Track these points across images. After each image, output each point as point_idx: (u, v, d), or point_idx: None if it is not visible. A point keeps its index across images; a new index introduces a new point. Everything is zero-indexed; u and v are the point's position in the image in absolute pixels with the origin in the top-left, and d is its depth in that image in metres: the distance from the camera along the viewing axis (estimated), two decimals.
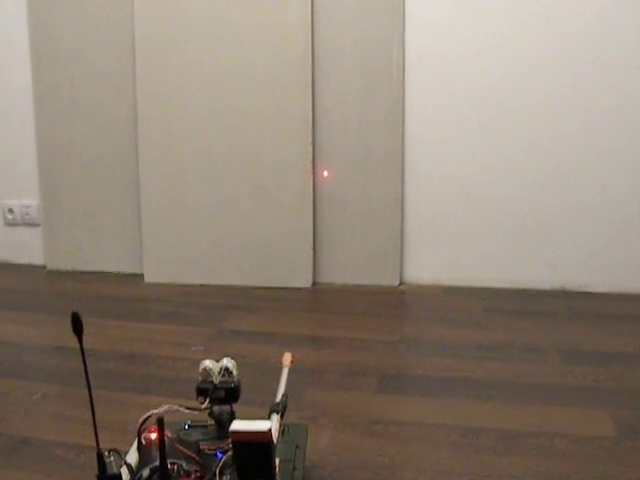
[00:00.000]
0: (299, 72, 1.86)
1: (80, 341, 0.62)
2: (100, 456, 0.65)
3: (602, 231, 1.83)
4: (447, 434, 1.04)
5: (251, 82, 1.89)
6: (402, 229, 1.92)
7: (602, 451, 0.98)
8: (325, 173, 1.83)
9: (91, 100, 2.05)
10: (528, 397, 1.18)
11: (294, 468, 0.79)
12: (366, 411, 1.13)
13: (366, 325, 1.60)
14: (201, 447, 0.76)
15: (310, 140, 1.88)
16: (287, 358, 0.92)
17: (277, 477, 0.69)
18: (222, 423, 0.83)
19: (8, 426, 1.08)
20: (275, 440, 0.71)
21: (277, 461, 0.71)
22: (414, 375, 1.30)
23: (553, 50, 1.78)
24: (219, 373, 0.84)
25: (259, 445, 0.66)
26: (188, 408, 0.78)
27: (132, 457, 0.72)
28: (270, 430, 0.66)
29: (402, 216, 1.91)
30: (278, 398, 0.83)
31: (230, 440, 0.68)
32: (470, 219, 1.89)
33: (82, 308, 1.72)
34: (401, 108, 1.86)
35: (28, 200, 2.19)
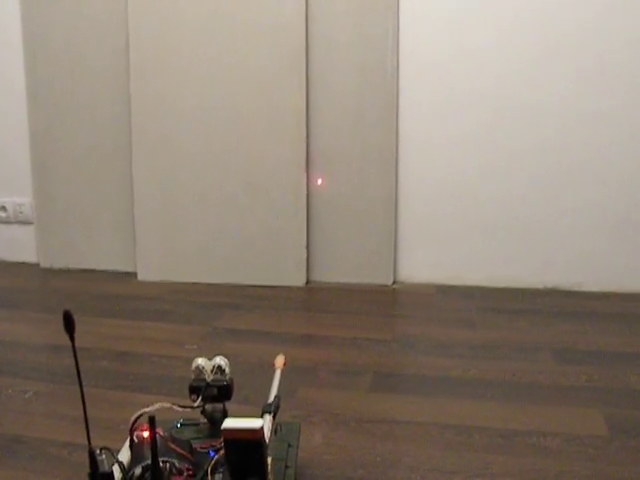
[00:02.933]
0: (293, 70, 1.86)
1: (72, 339, 0.62)
2: (92, 454, 0.65)
3: (595, 231, 1.84)
4: (440, 432, 1.04)
5: (245, 80, 1.89)
6: (396, 228, 1.92)
7: (594, 450, 0.98)
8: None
9: (84, 97, 2.05)
10: (521, 396, 1.18)
11: (286, 466, 0.79)
12: (359, 409, 1.13)
13: (360, 324, 1.60)
14: (193, 445, 0.76)
15: (304, 138, 1.88)
16: (280, 360, 0.92)
17: (269, 475, 0.69)
18: (214, 421, 0.83)
19: (0, 425, 1.07)
20: (267, 440, 0.71)
21: (269, 460, 0.71)
22: (407, 374, 1.30)
23: (549, 51, 1.79)
24: (212, 371, 0.85)
25: (251, 443, 0.66)
26: (180, 406, 0.78)
27: (124, 455, 0.72)
28: (262, 428, 0.66)
29: (396, 215, 1.91)
30: (270, 399, 0.83)
31: (222, 438, 0.68)
32: (464, 218, 1.90)
33: (75, 306, 1.71)
34: (395, 107, 1.86)
35: (21, 198, 2.19)
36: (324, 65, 1.88)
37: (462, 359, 1.36)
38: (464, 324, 1.59)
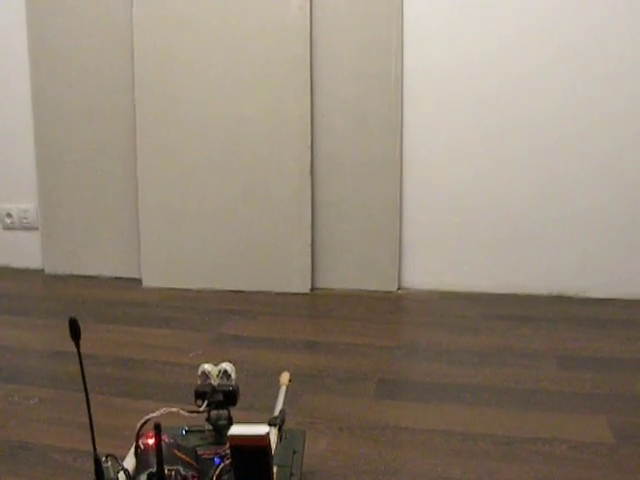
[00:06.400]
0: (297, 76, 1.86)
1: (77, 346, 0.62)
2: (97, 461, 0.65)
3: (599, 237, 1.83)
4: (445, 440, 1.04)
5: (250, 87, 1.90)
6: (400, 234, 1.92)
7: (600, 457, 0.98)
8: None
9: (89, 105, 2.05)
10: (526, 403, 1.18)
11: (291, 474, 0.79)
12: (364, 416, 1.13)
13: (364, 330, 1.60)
14: (198, 452, 0.76)
15: (308, 145, 1.88)
16: (285, 377, 0.93)
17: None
18: (219, 428, 0.83)
19: (5, 431, 1.07)
20: (273, 451, 0.72)
21: (275, 469, 0.71)
22: (412, 380, 1.30)
23: (549, 60, 1.79)
24: (218, 376, 0.85)
25: (257, 449, 0.66)
26: (187, 410, 0.78)
27: (129, 462, 0.72)
28: (268, 434, 0.66)
29: (400, 221, 1.91)
30: (276, 413, 0.83)
31: (228, 445, 0.68)
32: (468, 225, 1.90)
33: (80, 312, 1.71)
34: (399, 114, 1.86)
35: (26, 204, 2.19)
36: (328, 72, 1.88)
37: (466, 366, 1.36)
38: (468, 331, 1.59)
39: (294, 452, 0.84)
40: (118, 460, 0.69)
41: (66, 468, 0.95)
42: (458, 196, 1.90)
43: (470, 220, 1.90)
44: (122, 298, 1.90)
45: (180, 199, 1.98)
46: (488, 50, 1.82)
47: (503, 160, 1.86)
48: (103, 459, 0.66)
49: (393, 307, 1.81)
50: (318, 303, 1.86)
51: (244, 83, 1.91)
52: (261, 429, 0.66)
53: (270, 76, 1.89)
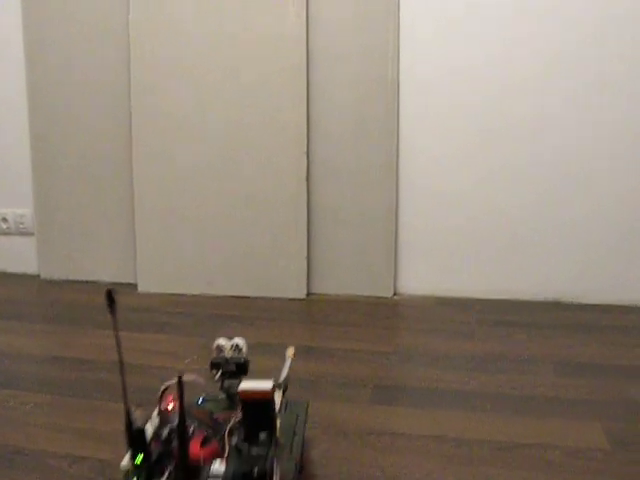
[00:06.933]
0: (294, 83, 1.87)
1: (113, 315, 0.64)
2: (128, 411, 0.70)
3: (597, 243, 1.84)
4: (440, 445, 1.04)
5: (246, 92, 1.90)
6: (396, 240, 1.92)
7: (595, 463, 0.98)
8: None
9: (86, 109, 2.05)
10: (521, 409, 1.18)
11: (294, 434, 0.87)
12: (359, 422, 1.13)
13: (360, 336, 1.60)
14: (214, 417, 0.84)
15: (304, 150, 1.89)
16: (290, 350, 1.01)
17: (278, 430, 0.77)
18: (232, 396, 0.90)
19: (1, 436, 1.07)
20: (277, 409, 0.80)
21: (278, 422, 0.78)
22: (408, 386, 1.30)
23: (548, 66, 1.80)
24: (231, 349, 0.95)
25: (263, 401, 0.74)
26: (202, 378, 0.83)
27: (154, 421, 0.78)
28: (273, 388, 0.74)
29: (396, 227, 1.92)
30: (281, 379, 0.91)
31: (239, 409, 0.77)
32: (464, 230, 1.90)
33: (76, 317, 1.70)
34: (395, 120, 1.87)
35: (22, 209, 2.19)
36: (325, 77, 1.89)
37: (462, 372, 1.36)
38: (464, 336, 1.59)
39: (297, 417, 0.92)
40: (146, 410, 0.74)
41: (61, 473, 0.95)
42: (454, 202, 1.90)
43: (466, 226, 1.90)
44: (118, 303, 1.90)
45: (176, 205, 1.98)
46: (486, 55, 1.83)
47: (500, 167, 1.86)
48: (133, 409, 0.71)
49: (389, 313, 1.82)
50: (314, 308, 1.86)
51: (241, 90, 1.91)
52: (266, 384, 0.75)
53: (267, 83, 1.89)
